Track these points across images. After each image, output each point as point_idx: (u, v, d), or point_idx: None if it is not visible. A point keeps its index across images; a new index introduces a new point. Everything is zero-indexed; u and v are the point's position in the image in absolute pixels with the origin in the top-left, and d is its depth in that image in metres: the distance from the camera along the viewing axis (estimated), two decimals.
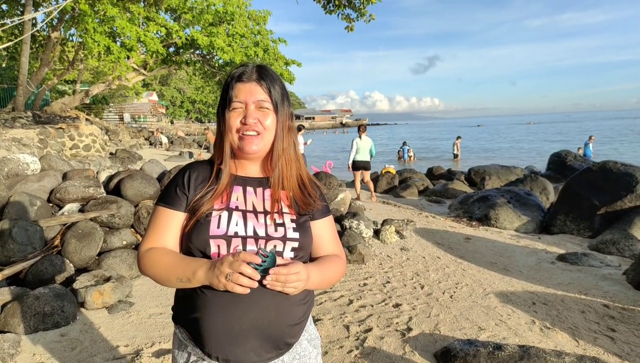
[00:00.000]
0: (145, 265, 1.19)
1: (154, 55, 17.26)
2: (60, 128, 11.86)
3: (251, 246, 1.15)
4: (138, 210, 4.72)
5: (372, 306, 3.80)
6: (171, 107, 62.60)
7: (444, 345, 3.04)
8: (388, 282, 4.41)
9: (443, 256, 5.36)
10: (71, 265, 4.00)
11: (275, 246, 1.17)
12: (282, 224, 1.20)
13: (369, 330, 3.32)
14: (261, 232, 1.17)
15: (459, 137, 24.95)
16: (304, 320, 1.24)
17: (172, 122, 53.95)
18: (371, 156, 9.42)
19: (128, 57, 15.95)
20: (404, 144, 25.86)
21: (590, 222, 6.62)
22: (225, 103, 1.21)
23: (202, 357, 1.18)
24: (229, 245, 1.14)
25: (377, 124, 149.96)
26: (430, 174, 14.85)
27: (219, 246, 1.14)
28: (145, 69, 19.33)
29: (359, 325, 3.41)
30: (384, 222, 6.17)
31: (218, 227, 1.15)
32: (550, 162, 13.03)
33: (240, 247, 1.15)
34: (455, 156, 23.83)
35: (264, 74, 1.22)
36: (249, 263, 1.03)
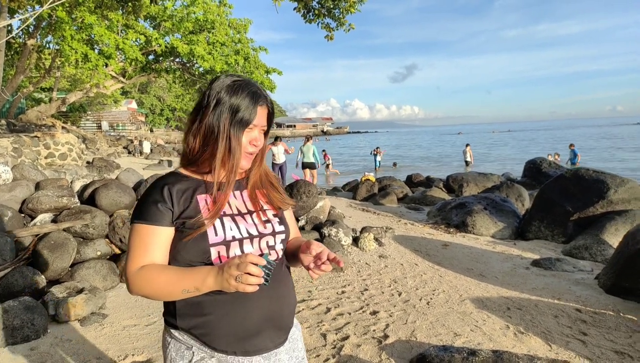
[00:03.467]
0: (139, 284, 1.18)
1: (133, 63, 17.10)
2: (36, 136, 11.63)
3: (247, 246, 1.25)
4: (113, 220, 4.65)
5: (350, 314, 3.81)
6: (150, 115, 61.88)
7: (419, 351, 3.06)
8: (366, 290, 4.42)
9: (421, 263, 5.40)
10: (43, 277, 3.91)
11: (267, 242, 1.28)
12: (269, 220, 1.32)
13: (346, 338, 3.33)
14: (253, 231, 1.27)
15: (467, 145, 24.58)
16: (296, 304, 1.40)
17: (151, 130, 53.34)
18: (315, 158, 12.86)
19: (106, 65, 15.78)
20: (377, 150, 25.24)
21: (563, 227, 6.76)
22: (233, 118, 1.26)
23: (210, 355, 1.23)
24: (228, 249, 1.22)
25: (358, 132, 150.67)
26: (410, 181, 14.99)
27: (219, 252, 1.21)
28: (124, 76, 19.13)
29: (336, 334, 3.41)
30: (363, 230, 6.20)
31: (216, 234, 1.21)
32: (525, 169, 13.28)
33: (238, 249, 1.23)
34: (467, 163, 23.45)
35: (271, 102, 1.33)
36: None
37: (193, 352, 1.24)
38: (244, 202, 1.32)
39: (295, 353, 1.37)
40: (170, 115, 65.73)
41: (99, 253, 4.42)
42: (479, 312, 3.89)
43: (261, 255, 1.13)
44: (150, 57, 18.92)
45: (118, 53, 16.33)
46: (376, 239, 6.00)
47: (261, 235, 1.27)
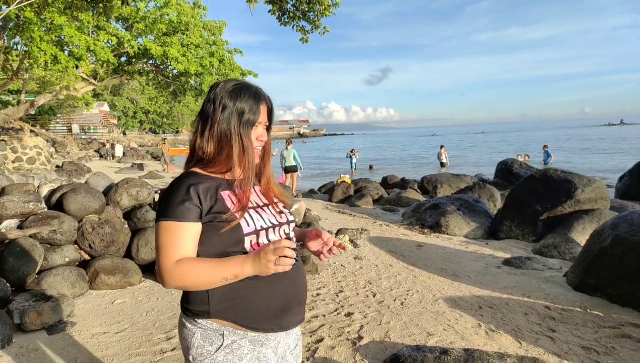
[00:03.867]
0: (178, 276, 1.27)
1: (105, 65, 16.75)
2: (2, 140, 11.29)
3: (272, 234, 1.40)
4: (82, 225, 4.54)
5: (325, 316, 3.81)
6: (123, 117, 60.75)
7: (393, 352, 3.08)
8: (341, 291, 4.43)
9: (395, 264, 5.45)
10: (8, 284, 3.78)
11: (284, 229, 1.45)
12: (282, 211, 1.49)
13: (321, 340, 3.33)
14: (274, 221, 1.43)
15: (442, 146, 25.09)
16: None
17: (124, 133, 52.38)
18: (297, 161, 13.17)
19: (77, 67, 15.41)
20: (352, 152, 25.39)
21: (533, 227, 6.92)
22: (240, 120, 1.39)
23: (242, 336, 1.34)
24: (257, 238, 1.36)
25: (334, 134, 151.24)
26: (385, 182, 15.11)
27: (251, 240, 1.35)
28: (95, 78, 18.71)
29: (311, 336, 3.40)
30: (339, 231, 6.22)
31: (248, 225, 1.35)
32: (497, 170, 13.55)
33: (265, 237, 1.38)
34: (443, 165, 23.89)
35: (270, 99, 1.46)
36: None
37: (224, 337, 1.33)
38: (259, 196, 1.47)
39: (294, 330, 1.51)
40: (143, 118, 64.65)
41: (67, 259, 4.31)
42: (452, 311, 3.94)
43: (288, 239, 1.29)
44: (123, 58, 18.57)
45: (89, 55, 15.96)
46: (351, 241, 6.02)
47: (280, 224, 1.44)
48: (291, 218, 1.51)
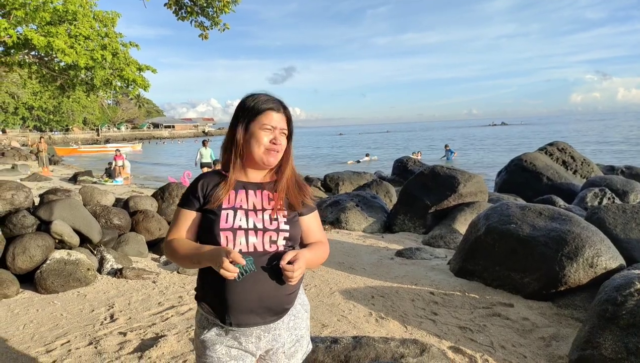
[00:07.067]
0: (169, 251, 1.57)
1: None
2: None
3: (252, 237, 1.49)
4: None
5: None
6: (2, 114, 54.62)
7: None
8: None
9: None
10: None
11: (270, 236, 1.50)
12: (276, 219, 1.54)
13: None
14: (260, 225, 1.51)
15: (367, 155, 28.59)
16: (296, 290, 1.62)
17: (3, 131, 47.13)
18: (213, 159, 14.22)
19: None
20: None
21: (424, 220, 7.45)
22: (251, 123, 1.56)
23: (219, 325, 1.52)
24: (235, 236, 1.47)
25: None
26: None
27: (227, 237, 1.48)
28: None
29: None
30: None
31: (226, 222, 1.49)
32: (394, 167, 14.36)
33: (244, 238, 1.48)
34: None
35: (287, 109, 1.62)
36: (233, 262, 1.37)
37: (211, 322, 1.54)
38: (262, 201, 1.56)
39: (297, 331, 1.63)
40: (27, 115, 58.65)
41: None
42: (346, 303, 4.13)
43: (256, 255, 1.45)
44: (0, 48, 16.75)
45: None
46: None
47: (265, 230, 1.50)
48: (284, 227, 1.53)
